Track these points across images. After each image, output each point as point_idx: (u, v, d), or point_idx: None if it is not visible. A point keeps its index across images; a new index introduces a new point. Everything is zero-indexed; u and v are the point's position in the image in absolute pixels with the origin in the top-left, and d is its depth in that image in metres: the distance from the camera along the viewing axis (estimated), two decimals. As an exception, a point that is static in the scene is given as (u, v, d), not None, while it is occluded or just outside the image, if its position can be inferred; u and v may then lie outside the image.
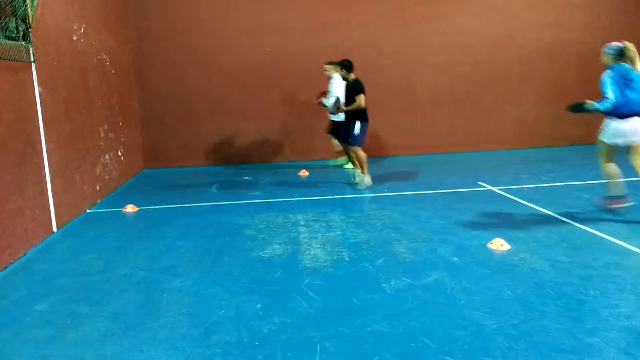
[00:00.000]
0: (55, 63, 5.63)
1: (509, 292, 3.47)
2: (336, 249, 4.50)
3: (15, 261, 4.45)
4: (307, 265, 4.13)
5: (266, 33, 9.74)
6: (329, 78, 8.40)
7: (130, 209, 6.28)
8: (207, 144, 9.31)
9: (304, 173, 8.59)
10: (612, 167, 5.39)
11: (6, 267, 4.29)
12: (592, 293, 3.41)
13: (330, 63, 8.19)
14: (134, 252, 4.64)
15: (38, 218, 4.98)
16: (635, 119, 5.15)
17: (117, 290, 3.74)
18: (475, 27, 10.23)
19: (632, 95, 5.10)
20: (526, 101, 10.62)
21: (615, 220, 5.06)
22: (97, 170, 6.86)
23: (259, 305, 3.40)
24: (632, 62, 5.23)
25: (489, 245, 4.44)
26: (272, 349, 2.83)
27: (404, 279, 3.78)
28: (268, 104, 9.91)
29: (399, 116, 10.30)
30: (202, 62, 9.51)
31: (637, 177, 5.45)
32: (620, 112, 5.16)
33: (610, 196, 5.46)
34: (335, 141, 8.52)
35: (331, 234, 4.98)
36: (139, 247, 4.79)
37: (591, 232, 4.74)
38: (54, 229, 5.35)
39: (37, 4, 5.15)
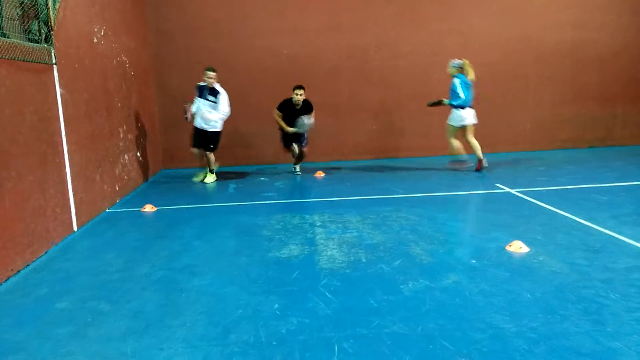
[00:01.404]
0: (76, 65, 5.72)
1: (528, 295, 3.44)
2: (353, 250, 4.51)
3: (36, 259, 4.52)
4: (324, 266, 4.13)
5: (282, 34, 9.79)
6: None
7: (149, 208, 6.34)
8: (224, 144, 9.32)
9: (320, 174, 8.60)
10: (457, 142, 8.53)
11: (28, 265, 4.37)
12: (613, 296, 3.37)
13: None
14: (152, 252, 4.69)
15: (59, 217, 5.06)
16: (469, 109, 8.31)
17: (136, 289, 3.79)
18: (492, 27, 10.16)
19: (469, 95, 8.24)
20: (544, 102, 10.52)
21: (635, 223, 4.99)
22: (117, 171, 6.94)
23: (276, 305, 3.41)
24: (467, 73, 8.28)
25: (508, 248, 4.41)
26: (290, 348, 2.84)
27: (422, 280, 3.77)
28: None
29: (415, 117, 10.27)
30: (220, 64, 9.55)
31: (471, 149, 8.45)
32: (463, 106, 8.23)
33: (456, 160, 8.70)
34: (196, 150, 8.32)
35: (347, 235, 4.98)
36: (157, 247, 4.84)
37: (611, 235, 4.67)
38: (75, 228, 5.43)
39: (59, 7, 5.24)
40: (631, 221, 5.08)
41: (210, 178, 8.22)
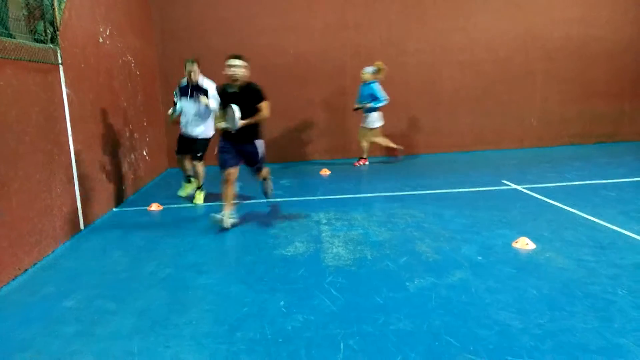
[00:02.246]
0: (82, 65, 5.74)
1: (535, 292, 3.43)
2: (358, 248, 4.50)
3: (43, 258, 4.55)
4: (330, 264, 4.13)
5: (288, 33, 9.78)
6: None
7: (155, 207, 6.37)
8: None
9: (325, 172, 8.59)
10: (367, 144, 9.23)
11: (35, 264, 4.40)
12: (620, 293, 3.35)
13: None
14: (159, 250, 4.71)
15: (66, 216, 5.08)
16: (379, 112, 8.98)
17: (143, 287, 3.80)
18: (498, 24, 10.10)
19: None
20: (551, 98, 10.46)
21: (644, 219, 4.96)
22: (123, 170, 6.97)
23: (282, 303, 3.42)
24: (381, 76, 8.86)
25: (514, 245, 4.39)
26: (296, 346, 2.85)
27: (428, 277, 3.76)
28: (290, 103, 9.93)
29: (422, 114, 10.25)
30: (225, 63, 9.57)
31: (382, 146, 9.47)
32: (381, 106, 8.91)
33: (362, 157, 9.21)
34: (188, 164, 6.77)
35: (353, 232, 4.98)
36: (164, 245, 4.86)
37: (618, 231, 4.64)
38: (81, 227, 5.45)
39: (65, 7, 5.26)
40: (639, 217, 5.04)
41: (200, 197, 6.67)
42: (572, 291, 3.41)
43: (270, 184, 6.06)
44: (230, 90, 5.26)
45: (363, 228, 5.11)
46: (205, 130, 6.57)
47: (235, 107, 5.08)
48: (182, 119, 6.54)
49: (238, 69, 5.19)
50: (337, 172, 8.65)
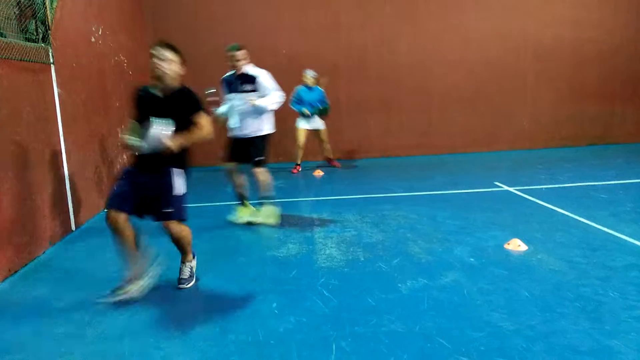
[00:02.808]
0: (74, 64, 5.71)
1: (526, 293, 3.44)
2: (351, 249, 4.50)
3: (35, 259, 4.52)
4: (323, 265, 4.13)
5: (280, 33, 9.78)
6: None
7: (147, 208, 6.33)
8: (222, 144, 9.33)
9: (318, 173, 8.59)
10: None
11: (26, 265, 4.37)
12: (611, 294, 3.37)
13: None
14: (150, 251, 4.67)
15: (57, 217, 5.05)
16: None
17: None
18: (490, 24, 10.15)
19: None
20: (543, 100, 10.52)
21: (634, 221, 4.98)
22: (115, 170, 6.93)
23: (274, 305, 3.41)
24: (320, 83, 8.78)
25: (506, 246, 4.40)
26: (287, 347, 2.84)
27: (420, 279, 3.76)
28: (283, 104, 9.91)
29: (414, 115, 10.27)
30: (218, 63, 9.53)
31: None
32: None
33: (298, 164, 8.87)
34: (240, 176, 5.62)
35: (346, 233, 4.98)
36: (155, 245, 4.82)
37: (610, 233, 4.67)
38: (73, 227, 5.42)
39: (57, 6, 5.23)
40: (630, 219, 5.08)
41: (270, 214, 5.36)
42: (563, 293, 3.43)
43: (190, 266, 3.86)
44: (151, 93, 3.63)
45: (356, 229, 5.11)
46: (261, 125, 5.34)
47: (160, 121, 3.49)
48: (232, 118, 5.43)
49: (166, 63, 3.55)
50: (330, 173, 8.65)
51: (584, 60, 10.43)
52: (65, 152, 5.28)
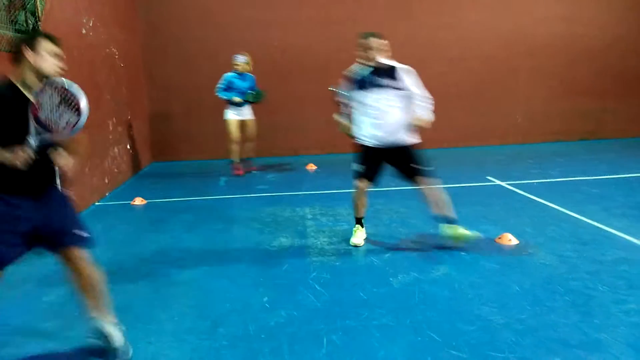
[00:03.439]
0: (65, 56, 5.64)
1: (517, 287, 3.46)
2: (343, 243, 4.50)
3: (24, 253, 4.48)
4: (314, 259, 4.13)
5: (274, 27, 9.72)
6: None
7: (138, 201, 6.30)
8: (215, 137, 9.30)
9: (311, 167, 8.58)
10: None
11: (16, 259, 4.33)
12: (601, 288, 3.39)
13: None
14: (142, 245, 4.66)
15: (47, 210, 5.01)
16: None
17: (125, 283, 3.76)
18: (484, 21, 10.14)
19: None
20: (536, 96, 10.54)
21: (624, 216, 5.02)
22: (106, 164, 6.89)
23: (266, 298, 3.41)
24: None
25: (498, 240, 4.42)
26: (278, 341, 2.84)
27: (411, 273, 3.77)
28: (276, 98, 9.87)
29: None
30: (211, 56, 9.50)
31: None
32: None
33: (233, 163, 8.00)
34: None
35: (338, 227, 4.98)
36: (147, 240, 4.82)
37: (600, 227, 4.70)
38: (63, 221, 5.37)
39: (46, -3, 5.16)
40: (620, 213, 5.11)
41: (463, 232, 4.28)
42: (553, 287, 3.45)
43: (110, 331, 2.79)
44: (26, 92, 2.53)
45: (348, 223, 5.11)
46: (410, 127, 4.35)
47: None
48: (369, 126, 4.27)
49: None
50: (323, 167, 8.64)
51: (577, 56, 10.45)
52: (56, 145, 5.23)
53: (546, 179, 7.02)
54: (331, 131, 10.09)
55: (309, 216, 5.42)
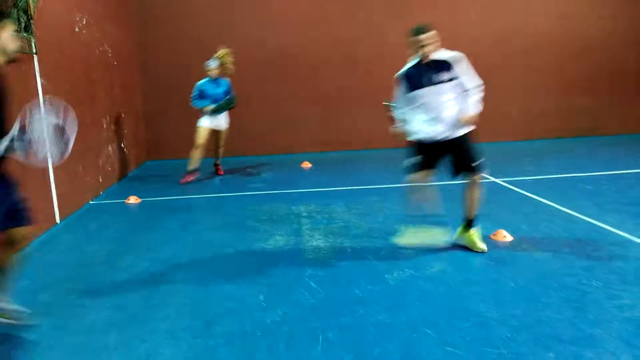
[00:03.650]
0: (57, 54, 5.62)
1: (512, 284, 3.47)
2: (338, 241, 4.50)
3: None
4: (310, 257, 4.13)
5: (269, 25, 9.69)
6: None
7: (133, 200, 6.28)
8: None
9: (306, 165, 8.58)
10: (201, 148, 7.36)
11: (10, 258, 4.31)
12: (595, 284, 3.41)
13: None
14: (136, 244, 4.65)
15: (41, 210, 4.98)
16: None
17: (120, 281, 3.76)
18: (479, 17, 10.14)
19: None
20: (531, 92, 10.55)
21: (618, 212, 5.04)
22: (100, 162, 6.86)
23: (261, 297, 3.40)
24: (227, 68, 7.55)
25: (492, 237, 4.43)
26: (274, 339, 2.84)
27: (407, 270, 3.78)
28: (270, 95, 9.88)
29: (402, 108, 10.26)
30: (206, 54, 9.45)
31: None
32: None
33: (189, 171, 7.39)
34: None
35: (333, 225, 4.98)
36: (141, 239, 4.80)
37: (594, 224, 4.72)
38: (57, 220, 5.36)
39: (39, -5, 5.13)
40: (614, 210, 5.13)
41: (477, 237, 4.17)
42: (547, 283, 3.46)
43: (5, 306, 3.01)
44: None
45: (343, 221, 5.12)
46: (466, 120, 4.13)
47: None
48: (425, 123, 4.16)
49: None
50: (318, 164, 8.64)
51: (573, 52, 10.47)
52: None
53: (541, 175, 7.04)
54: (327, 129, 10.14)
55: (304, 214, 5.42)
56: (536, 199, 5.70)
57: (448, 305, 3.17)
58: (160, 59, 9.61)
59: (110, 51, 7.63)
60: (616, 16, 10.42)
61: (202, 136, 7.40)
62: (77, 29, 6.28)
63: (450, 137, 4.11)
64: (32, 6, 4.94)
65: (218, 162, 8.03)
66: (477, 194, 4.19)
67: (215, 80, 7.44)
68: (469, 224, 4.20)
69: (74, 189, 5.86)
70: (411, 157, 4.30)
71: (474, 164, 4.13)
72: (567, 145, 9.77)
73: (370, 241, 4.47)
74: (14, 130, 2.52)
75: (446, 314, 3.06)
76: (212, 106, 7.31)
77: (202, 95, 7.40)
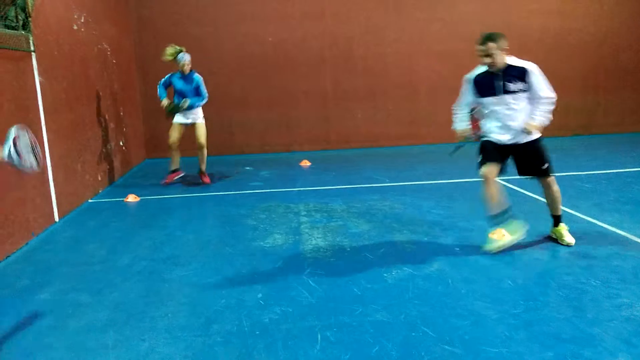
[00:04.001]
0: (56, 52, 5.61)
1: (510, 282, 3.47)
2: (337, 239, 4.50)
3: (17, 251, 4.46)
4: (309, 255, 4.13)
5: (266, 21, 9.69)
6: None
7: (131, 199, 6.28)
8: (208, 133, 9.29)
9: (305, 163, 8.57)
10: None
11: (8, 257, 4.31)
12: (594, 283, 3.41)
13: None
14: (135, 242, 4.65)
15: (40, 208, 4.98)
16: None
17: (118, 280, 3.75)
18: (476, 14, 10.11)
19: None
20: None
21: (617, 210, 5.04)
22: (99, 160, 6.85)
23: (260, 295, 3.40)
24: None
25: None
26: (273, 338, 2.84)
27: (405, 268, 3.78)
28: (268, 93, 9.87)
29: (400, 105, 10.25)
30: (203, 51, 9.45)
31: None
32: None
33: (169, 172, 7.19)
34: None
35: (332, 224, 4.98)
36: (140, 237, 4.80)
37: (593, 222, 4.72)
38: (56, 218, 5.35)
39: (37, -8, 5.12)
40: (612, 208, 5.13)
41: (565, 232, 4.25)
42: (546, 281, 3.46)
43: None
44: None
45: (342, 219, 5.11)
46: (534, 126, 4.17)
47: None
48: (496, 129, 4.22)
49: None
50: (317, 163, 8.63)
51: (569, 50, 10.47)
52: (48, 141, 5.20)
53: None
54: (325, 127, 10.13)
55: (303, 212, 5.42)
56: (534, 198, 5.70)
57: (446, 304, 3.17)
58: (159, 56, 9.55)
59: (108, 49, 7.62)
60: (614, 14, 10.42)
61: (171, 133, 6.99)
62: (75, 27, 6.27)
63: (520, 142, 4.16)
64: (30, 4, 4.92)
65: (203, 169, 7.23)
66: (555, 193, 4.26)
67: (185, 76, 6.86)
68: (556, 220, 4.31)
69: (73, 188, 5.85)
70: (481, 152, 4.31)
71: (543, 168, 4.21)
72: (565, 144, 9.77)
73: (369, 240, 4.47)
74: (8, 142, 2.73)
75: (445, 312, 3.06)
76: (166, 101, 6.82)
77: (166, 85, 6.93)
